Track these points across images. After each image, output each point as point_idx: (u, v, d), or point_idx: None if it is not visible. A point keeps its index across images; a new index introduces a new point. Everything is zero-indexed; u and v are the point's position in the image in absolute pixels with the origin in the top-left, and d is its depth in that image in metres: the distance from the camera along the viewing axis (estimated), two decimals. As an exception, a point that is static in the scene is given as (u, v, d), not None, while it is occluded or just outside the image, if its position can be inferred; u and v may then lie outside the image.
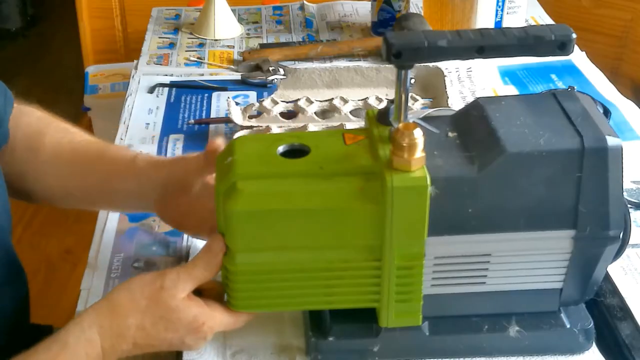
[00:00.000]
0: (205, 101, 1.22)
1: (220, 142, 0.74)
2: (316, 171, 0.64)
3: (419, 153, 0.61)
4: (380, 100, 1.14)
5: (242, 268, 0.66)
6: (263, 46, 1.41)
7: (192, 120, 1.16)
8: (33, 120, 0.87)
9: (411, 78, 0.65)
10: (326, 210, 0.63)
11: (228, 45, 1.42)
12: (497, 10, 1.34)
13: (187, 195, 0.78)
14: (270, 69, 1.28)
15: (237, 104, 1.14)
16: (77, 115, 2.47)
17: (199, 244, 0.86)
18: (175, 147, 1.09)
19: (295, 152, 0.67)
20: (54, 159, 0.84)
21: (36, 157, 0.84)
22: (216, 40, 1.44)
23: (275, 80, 1.27)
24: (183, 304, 0.66)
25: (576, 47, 1.22)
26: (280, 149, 0.67)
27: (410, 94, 0.91)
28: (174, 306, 0.66)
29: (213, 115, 1.18)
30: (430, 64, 1.23)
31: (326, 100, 1.14)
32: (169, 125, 1.15)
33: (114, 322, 0.66)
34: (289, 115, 1.13)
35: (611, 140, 0.63)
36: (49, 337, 0.65)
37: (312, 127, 1.07)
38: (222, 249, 0.66)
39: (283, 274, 0.66)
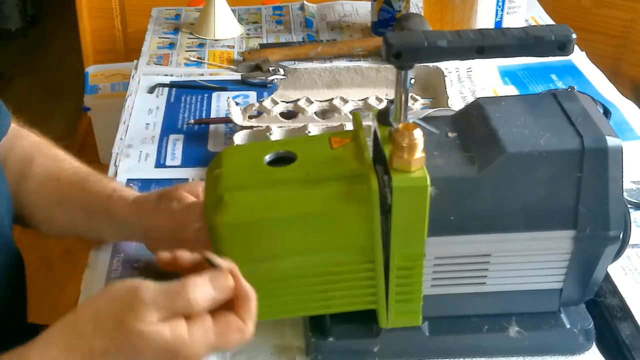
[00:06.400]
0: (205, 101, 1.22)
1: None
2: (302, 177, 0.64)
3: (419, 153, 0.61)
4: (380, 100, 1.14)
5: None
6: (263, 46, 1.40)
7: (192, 121, 1.16)
8: (27, 145, 0.86)
9: (411, 78, 0.65)
10: (312, 215, 0.63)
11: (228, 45, 1.42)
12: (497, 10, 1.34)
13: (177, 240, 0.76)
14: (270, 69, 1.28)
15: (237, 104, 1.14)
16: (77, 115, 2.47)
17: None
18: (175, 147, 1.09)
19: (282, 159, 0.66)
20: (39, 189, 0.83)
21: (23, 185, 0.83)
22: (216, 40, 1.44)
23: (275, 80, 1.27)
24: (152, 328, 0.57)
25: (576, 47, 1.22)
26: (267, 157, 0.67)
27: (410, 94, 0.91)
28: (139, 331, 0.57)
29: (213, 115, 1.18)
30: (430, 64, 1.23)
31: (326, 101, 1.14)
32: (169, 125, 1.15)
33: (78, 344, 0.58)
34: (289, 115, 1.13)
35: (611, 141, 0.63)
36: (13, 350, 0.60)
37: (312, 127, 1.07)
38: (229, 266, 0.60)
39: (277, 283, 0.66)
